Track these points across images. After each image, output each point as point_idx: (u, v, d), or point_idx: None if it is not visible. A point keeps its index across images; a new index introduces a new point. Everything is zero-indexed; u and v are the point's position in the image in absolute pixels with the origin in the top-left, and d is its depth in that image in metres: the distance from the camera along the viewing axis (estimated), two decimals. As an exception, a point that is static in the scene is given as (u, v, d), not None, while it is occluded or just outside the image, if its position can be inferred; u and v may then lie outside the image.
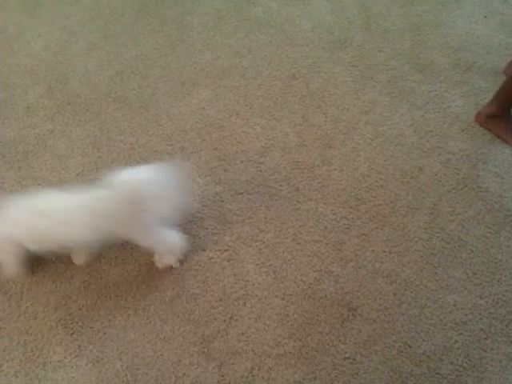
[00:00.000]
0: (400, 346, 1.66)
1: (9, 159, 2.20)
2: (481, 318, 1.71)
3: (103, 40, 2.77)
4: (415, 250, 1.85)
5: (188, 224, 1.98)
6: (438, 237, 1.87)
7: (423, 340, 1.67)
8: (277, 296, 1.77)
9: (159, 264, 1.83)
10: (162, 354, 1.67)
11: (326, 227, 1.92)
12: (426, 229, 1.89)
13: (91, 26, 2.86)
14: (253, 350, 1.66)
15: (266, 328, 1.70)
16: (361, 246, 1.87)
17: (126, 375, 1.63)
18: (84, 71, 2.60)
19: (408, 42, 2.58)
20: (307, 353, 1.65)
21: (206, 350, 1.67)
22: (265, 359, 1.64)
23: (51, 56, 2.72)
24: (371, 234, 1.89)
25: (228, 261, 1.87)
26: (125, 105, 2.42)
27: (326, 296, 1.76)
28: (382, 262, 1.83)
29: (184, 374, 1.62)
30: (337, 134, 2.23)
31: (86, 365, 1.66)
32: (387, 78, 2.43)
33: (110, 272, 1.86)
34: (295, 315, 1.72)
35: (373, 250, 1.86)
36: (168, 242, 1.74)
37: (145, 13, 2.91)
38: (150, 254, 1.84)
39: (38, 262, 1.86)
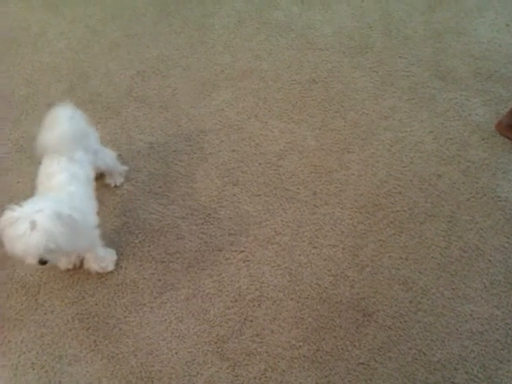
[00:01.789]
0: (415, 354, 1.66)
1: (30, 154, 2.23)
2: (497, 329, 1.70)
3: (125, 39, 2.80)
4: (432, 257, 1.84)
5: (205, 224, 1.99)
6: (455, 245, 1.86)
7: (438, 348, 1.66)
8: (292, 299, 1.77)
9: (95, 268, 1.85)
10: (176, 353, 1.67)
11: (342, 232, 1.92)
12: (443, 237, 1.88)
13: (113, 26, 2.88)
14: (267, 352, 1.66)
15: (281, 330, 1.70)
16: (377, 251, 1.86)
17: (141, 372, 1.64)
18: (105, 70, 2.63)
19: (429, 49, 2.57)
20: (321, 357, 1.65)
21: (220, 349, 1.67)
22: (278, 361, 1.64)
23: (73, 54, 2.75)
24: (388, 240, 1.89)
25: (244, 262, 1.87)
26: (145, 104, 2.44)
27: (341, 301, 1.75)
28: (398, 269, 1.82)
29: (198, 373, 1.63)
30: (355, 138, 2.22)
31: (101, 360, 1.67)
32: (407, 84, 2.42)
33: (127, 269, 1.87)
34: (310, 319, 1.72)
35: (390, 256, 1.85)
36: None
37: (166, 13, 2.93)
38: (167, 252, 1.86)
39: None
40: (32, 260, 1.44)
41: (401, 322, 1.71)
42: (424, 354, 1.65)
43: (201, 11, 2.92)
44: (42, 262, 1.45)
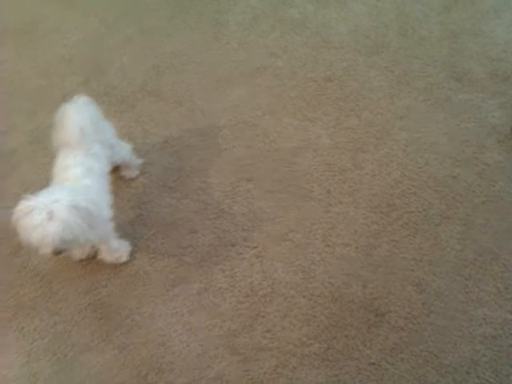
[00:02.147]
0: (426, 356, 1.65)
1: (44, 146, 2.24)
2: (510, 334, 1.68)
3: (139, 34, 2.80)
4: (447, 260, 1.82)
5: (218, 219, 1.99)
6: (470, 248, 1.85)
7: (450, 351, 1.65)
8: (304, 296, 1.77)
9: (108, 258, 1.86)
10: (187, 345, 1.68)
11: (356, 231, 1.92)
12: (458, 239, 1.87)
13: (128, 20, 2.89)
14: (278, 348, 1.66)
15: (292, 327, 1.70)
16: (391, 252, 1.86)
17: (152, 363, 1.65)
18: (120, 64, 2.63)
19: (445, 50, 2.56)
20: (332, 355, 1.64)
21: (231, 344, 1.67)
22: (289, 358, 1.64)
23: (88, 47, 2.76)
24: (402, 241, 1.88)
25: (257, 258, 1.87)
26: (160, 99, 2.44)
27: (353, 300, 1.75)
28: (412, 270, 1.81)
29: (208, 366, 1.63)
30: (370, 138, 2.21)
31: (113, 350, 1.68)
32: (423, 84, 2.41)
33: (140, 261, 1.88)
34: (321, 317, 1.72)
35: (403, 258, 1.84)
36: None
37: (181, 9, 2.93)
38: (179, 245, 1.86)
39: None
40: (47, 250, 1.45)
41: (413, 324, 1.70)
42: (436, 356, 1.64)
43: (215, 7, 2.92)
44: (57, 252, 1.46)
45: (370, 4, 2.83)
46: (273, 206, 2.02)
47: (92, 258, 1.88)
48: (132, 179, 2.11)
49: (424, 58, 2.55)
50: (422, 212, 1.96)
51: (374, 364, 1.63)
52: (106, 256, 1.83)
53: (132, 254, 1.89)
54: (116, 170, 2.05)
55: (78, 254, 1.86)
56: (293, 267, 1.84)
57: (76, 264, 1.88)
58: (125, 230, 1.94)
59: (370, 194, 2.03)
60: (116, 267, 1.86)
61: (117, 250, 1.84)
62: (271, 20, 2.81)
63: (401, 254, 1.86)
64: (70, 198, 1.48)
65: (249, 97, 2.43)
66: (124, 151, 1.99)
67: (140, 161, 2.14)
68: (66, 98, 2.39)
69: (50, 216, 1.41)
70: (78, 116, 1.72)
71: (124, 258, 1.86)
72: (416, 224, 1.93)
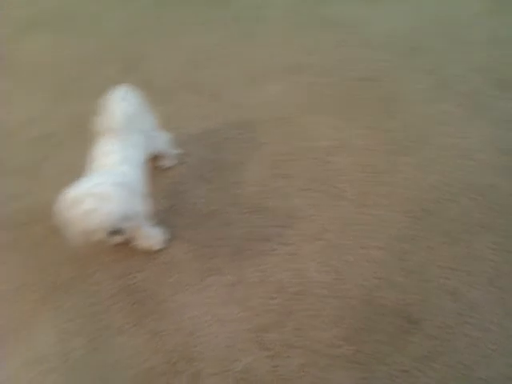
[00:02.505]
0: (459, 367, 1.62)
1: (83, 130, 2.25)
2: (546, 349, 1.66)
3: (179, 26, 2.82)
4: (483, 270, 1.80)
5: (252, 213, 1.99)
6: (507, 260, 1.82)
7: (484, 364, 1.62)
8: (336, 297, 1.76)
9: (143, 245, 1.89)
10: (217, 336, 1.69)
11: (390, 235, 1.90)
12: (495, 250, 1.84)
13: (169, 12, 2.92)
14: (306, 347, 1.66)
15: (323, 327, 1.70)
16: (426, 258, 1.84)
17: (182, 351, 1.66)
18: (159, 55, 2.66)
19: (487, 56, 2.52)
20: (362, 359, 1.63)
21: (260, 339, 1.68)
22: (318, 358, 1.64)
23: (129, 37, 2.80)
24: (438, 248, 1.86)
25: (290, 255, 1.87)
26: (198, 91, 2.45)
27: (385, 305, 1.73)
28: (447, 279, 1.79)
29: (236, 359, 1.64)
30: (407, 141, 2.20)
31: (144, 335, 1.70)
32: (463, 89, 2.38)
33: (175, 249, 1.90)
34: (352, 319, 1.71)
35: (438, 265, 1.82)
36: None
37: (222, 3, 2.94)
38: (214, 237, 1.88)
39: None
40: (103, 233, 1.48)
41: (447, 333, 1.68)
42: (469, 368, 1.61)
43: (257, 2, 2.93)
44: (113, 233, 1.50)
45: (412, 5, 2.81)
46: (307, 203, 2.02)
47: (127, 244, 1.90)
48: (169, 169, 2.13)
49: (465, 62, 2.52)
50: (460, 220, 1.93)
51: (405, 371, 1.61)
52: (141, 242, 1.86)
53: (166, 243, 1.90)
54: (154, 159, 2.06)
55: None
56: (325, 267, 1.83)
57: (112, 248, 1.90)
58: (160, 218, 1.96)
59: (405, 197, 2.02)
60: (151, 254, 1.88)
61: (152, 237, 1.86)
62: (311, 17, 2.79)
63: (436, 262, 1.83)
64: (111, 179, 1.53)
65: (286, 93, 2.43)
66: (162, 141, 2.01)
67: (177, 151, 2.16)
68: (106, 85, 2.44)
69: (99, 198, 1.44)
70: (121, 105, 1.74)
71: (158, 246, 1.88)
72: (452, 232, 1.91)
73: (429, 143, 2.18)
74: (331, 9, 2.82)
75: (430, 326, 1.68)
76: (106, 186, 1.49)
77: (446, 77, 2.45)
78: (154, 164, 2.08)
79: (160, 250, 1.89)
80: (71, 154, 2.12)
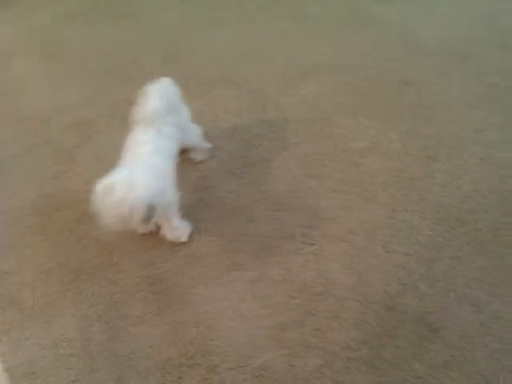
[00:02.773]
0: (477, 378, 1.58)
1: (121, 119, 2.30)
2: None
3: (229, 20, 2.85)
4: (509, 283, 1.74)
5: (278, 211, 1.99)
6: (537, 276, 1.76)
7: (503, 378, 1.57)
8: (357, 300, 1.74)
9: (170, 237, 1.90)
10: (236, 331, 1.69)
11: (418, 241, 1.86)
12: (525, 265, 1.78)
13: (218, 5, 2.96)
14: (324, 348, 1.64)
15: (341, 329, 1.68)
16: (453, 268, 1.79)
17: (200, 344, 1.67)
18: (204, 48, 2.70)
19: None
20: (379, 363, 1.60)
21: (278, 337, 1.67)
22: (335, 359, 1.62)
23: (172, 29, 2.85)
24: (466, 258, 1.81)
25: (313, 255, 1.86)
26: (235, 86, 2.47)
27: (407, 311, 1.70)
28: (472, 289, 1.74)
29: (254, 356, 1.64)
30: (444, 148, 2.15)
31: (163, 326, 1.72)
32: (506, 101, 2.30)
33: (199, 242, 1.91)
34: (373, 323, 1.69)
35: (464, 275, 1.77)
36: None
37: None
38: (238, 232, 1.89)
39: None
40: (135, 220, 1.51)
41: (467, 343, 1.63)
42: (487, 380, 1.57)
43: (308, 0, 2.91)
44: (147, 219, 1.53)
45: (465, 13, 2.74)
46: (335, 205, 2.00)
47: (154, 234, 1.93)
48: (199, 162, 2.15)
49: (510, 72, 2.43)
50: (491, 231, 1.87)
51: (421, 378, 1.58)
52: (167, 234, 1.88)
53: (191, 235, 1.92)
54: (184, 151, 2.09)
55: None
56: (348, 269, 1.81)
57: (138, 237, 1.94)
58: (187, 210, 1.98)
59: (438, 205, 1.97)
60: (175, 245, 1.90)
61: (178, 229, 1.88)
62: (365, 18, 2.77)
63: (462, 271, 1.79)
64: (144, 169, 1.58)
65: (323, 93, 2.41)
66: (194, 135, 2.03)
67: (209, 145, 2.17)
68: (146, 75, 2.48)
69: (132, 186, 1.49)
70: (158, 96, 1.77)
71: (184, 238, 1.90)
72: (482, 243, 1.85)
73: (466, 151, 2.13)
74: (388, 12, 2.79)
75: (450, 335, 1.64)
76: (138, 175, 1.53)
77: (493, 86, 2.38)
78: (185, 157, 2.10)
79: (186, 243, 1.91)
80: (106, 142, 2.17)
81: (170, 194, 1.73)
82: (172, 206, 1.77)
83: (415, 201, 1.98)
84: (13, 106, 2.50)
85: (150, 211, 1.54)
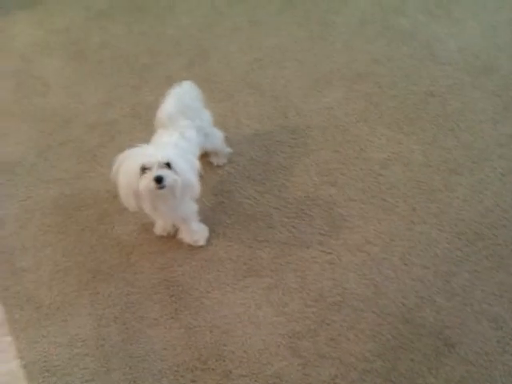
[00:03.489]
0: (494, 396, 1.56)
1: (144, 121, 2.34)
2: None
3: (247, 24, 2.85)
4: (529, 301, 1.72)
5: (296, 218, 1.99)
6: (558, 294, 1.73)
7: (521, 397, 1.56)
8: (373, 311, 1.73)
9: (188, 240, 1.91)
10: (250, 338, 1.70)
11: (437, 254, 1.85)
12: (546, 282, 1.76)
13: (238, 10, 2.95)
14: (339, 359, 1.64)
15: (357, 340, 1.67)
16: (471, 282, 1.77)
17: (214, 348, 1.68)
18: (225, 52, 2.70)
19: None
20: (394, 376, 1.60)
21: (293, 345, 1.67)
22: (350, 371, 1.61)
23: (196, 32, 2.84)
24: (484, 273, 1.79)
25: (330, 264, 1.85)
26: (257, 91, 2.47)
27: (424, 325, 1.69)
28: (490, 305, 1.72)
29: (268, 363, 1.64)
30: (466, 161, 2.12)
31: (179, 329, 1.73)
32: (531, 115, 2.27)
33: (216, 247, 1.92)
34: (388, 335, 1.68)
35: (483, 290, 1.75)
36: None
37: (291, 4, 2.95)
38: (256, 238, 1.89)
39: (152, 222, 1.96)
40: (150, 177, 1.50)
41: (484, 360, 1.62)
42: (504, 399, 1.55)
43: (325, 7, 2.91)
44: (159, 180, 1.50)
45: (486, 24, 2.71)
46: (353, 214, 1.99)
47: (172, 237, 1.95)
48: (219, 166, 2.16)
49: (537, 87, 2.40)
50: (510, 246, 1.85)
51: (435, 393, 1.57)
52: (185, 237, 1.89)
53: (209, 239, 1.93)
54: (205, 155, 2.10)
55: (159, 229, 1.94)
56: (365, 280, 1.80)
57: (156, 240, 1.96)
58: (206, 214, 1.99)
59: (458, 218, 1.95)
60: (193, 249, 1.91)
61: (196, 232, 1.89)
62: (380, 26, 2.76)
63: (480, 286, 1.77)
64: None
65: (345, 101, 2.40)
66: (216, 139, 2.04)
67: (229, 150, 2.18)
68: (170, 78, 2.52)
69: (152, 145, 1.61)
70: (181, 99, 1.78)
71: (201, 242, 1.91)
72: (502, 258, 1.83)
73: (489, 165, 2.10)
74: (403, 20, 2.77)
75: (467, 350, 1.62)
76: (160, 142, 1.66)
77: (515, 99, 2.36)
78: (206, 160, 2.11)
79: (203, 246, 1.92)
80: (128, 143, 2.18)
81: (191, 173, 1.65)
82: (193, 188, 1.66)
83: (435, 213, 1.96)
84: (38, 104, 2.54)
85: (167, 173, 1.52)
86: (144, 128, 2.30)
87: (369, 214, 1.99)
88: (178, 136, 1.76)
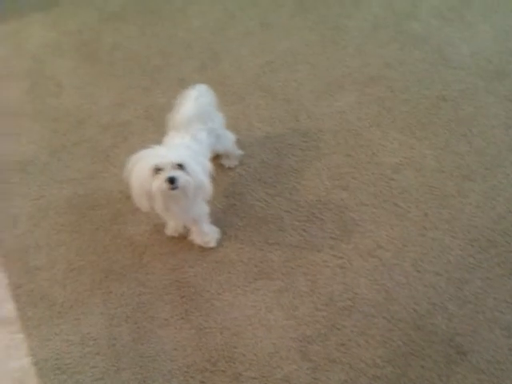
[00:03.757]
0: (506, 406, 1.55)
1: (157, 122, 2.35)
2: None
3: (259, 28, 2.85)
4: (543, 309, 1.70)
5: (308, 222, 1.99)
6: None
7: (534, 408, 1.54)
8: (384, 317, 1.72)
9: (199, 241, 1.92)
10: (261, 341, 1.70)
11: (449, 261, 1.84)
12: (558, 290, 1.74)
13: (251, 13, 2.95)
14: (349, 364, 1.63)
15: (367, 346, 1.67)
16: (483, 290, 1.76)
17: (224, 350, 1.68)
18: (237, 55, 2.70)
19: None
20: (405, 383, 1.59)
21: (303, 349, 1.67)
22: (360, 376, 1.61)
23: (209, 34, 2.85)
24: (497, 280, 1.78)
25: (341, 268, 1.85)
26: (269, 94, 2.47)
27: (435, 332, 1.68)
28: (502, 313, 1.71)
29: (278, 366, 1.64)
30: (479, 167, 2.11)
31: (189, 330, 1.74)
32: (545, 121, 2.26)
33: (227, 249, 1.92)
34: (399, 342, 1.67)
35: (495, 298, 1.74)
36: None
37: (304, 8, 2.95)
38: (267, 241, 1.89)
39: (164, 223, 1.97)
40: (164, 176, 1.51)
41: (495, 369, 1.60)
42: (516, 408, 1.54)
43: (338, 11, 2.91)
44: (171, 181, 1.51)
45: (499, 28, 2.70)
46: (365, 219, 1.98)
47: (183, 238, 1.95)
48: (230, 169, 2.16)
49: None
50: (524, 254, 1.84)
51: (445, 400, 1.56)
52: (197, 238, 1.90)
53: (220, 241, 1.94)
54: (217, 157, 2.11)
55: (170, 230, 1.94)
56: (376, 285, 1.80)
57: (168, 241, 1.96)
58: (217, 216, 2.00)
59: (470, 225, 1.94)
60: (204, 250, 1.92)
61: (207, 234, 1.89)
62: (392, 31, 2.75)
63: (493, 294, 1.76)
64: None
65: (357, 105, 2.40)
66: (228, 142, 2.05)
67: (241, 152, 2.18)
68: (182, 80, 2.53)
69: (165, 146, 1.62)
70: (193, 101, 1.79)
71: (212, 244, 1.91)
72: (515, 266, 1.82)
73: (502, 172, 2.09)
74: (416, 24, 2.76)
75: (478, 358, 1.61)
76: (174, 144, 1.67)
77: (528, 104, 2.34)
78: (217, 162, 2.12)
79: (214, 248, 1.92)
80: (140, 144, 2.19)
81: (203, 174, 1.65)
82: (205, 189, 1.66)
83: (447, 220, 1.95)
84: (51, 105, 2.56)
85: (178, 174, 1.53)
86: (156, 130, 2.31)
87: (381, 218, 1.98)
88: (189, 138, 1.76)
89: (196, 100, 1.79)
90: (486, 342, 1.66)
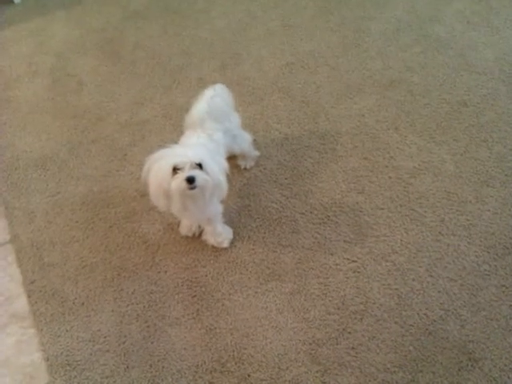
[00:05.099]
0: (518, 417, 1.52)
1: (175, 122, 2.37)
2: None
3: (281, 29, 2.85)
4: (558, 318, 1.66)
5: (322, 225, 1.98)
6: None
7: (547, 419, 1.51)
8: (396, 322, 1.71)
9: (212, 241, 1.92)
10: (270, 342, 1.69)
11: (464, 267, 1.81)
12: None
13: (273, 14, 2.95)
14: (359, 368, 1.62)
15: (378, 350, 1.65)
16: (498, 297, 1.73)
17: (233, 351, 1.68)
18: (257, 56, 2.70)
19: None
20: (415, 389, 1.57)
21: (313, 352, 1.66)
22: (370, 381, 1.59)
23: (230, 35, 2.86)
24: (512, 288, 1.75)
25: (354, 272, 1.84)
26: (288, 96, 2.47)
27: (448, 338, 1.66)
28: (517, 321, 1.68)
29: (287, 368, 1.64)
30: (499, 173, 2.07)
31: (200, 329, 1.74)
32: None
33: (240, 249, 1.93)
34: (411, 347, 1.65)
35: (510, 306, 1.71)
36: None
37: (326, 10, 2.94)
38: (280, 243, 1.89)
39: (178, 222, 1.98)
40: (183, 176, 1.52)
41: (508, 378, 1.57)
42: (529, 420, 1.51)
43: (360, 13, 2.89)
44: (190, 180, 1.51)
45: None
46: (380, 223, 1.97)
47: (196, 238, 1.96)
48: (246, 169, 2.17)
49: None
50: (542, 263, 1.80)
51: (456, 408, 1.53)
52: (210, 238, 1.90)
53: (233, 242, 1.94)
54: (232, 158, 2.11)
55: (184, 229, 1.95)
56: (389, 290, 1.78)
57: (181, 240, 1.97)
58: (231, 216, 2.00)
59: (487, 232, 1.91)
60: (216, 250, 1.92)
61: (220, 234, 1.90)
62: (415, 34, 2.72)
63: (508, 302, 1.73)
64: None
65: (377, 108, 2.38)
66: (244, 142, 2.05)
67: (257, 153, 2.19)
68: (201, 80, 2.54)
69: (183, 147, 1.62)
70: (211, 101, 1.80)
71: (225, 244, 1.91)
72: (532, 274, 1.78)
73: (522, 178, 2.05)
74: (439, 28, 2.73)
75: (490, 366, 1.59)
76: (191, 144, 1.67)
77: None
78: (233, 163, 2.12)
79: (227, 248, 1.92)
80: (158, 143, 2.21)
81: (220, 173, 1.65)
82: (222, 189, 1.67)
83: (464, 226, 1.92)
84: (71, 102, 2.60)
85: (197, 173, 1.53)
86: (174, 129, 2.33)
87: (396, 223, 1.96)
88: (205, 138, 1.77)
89: (211, 99, 1.80)
90: (499, 349, 1.63)
